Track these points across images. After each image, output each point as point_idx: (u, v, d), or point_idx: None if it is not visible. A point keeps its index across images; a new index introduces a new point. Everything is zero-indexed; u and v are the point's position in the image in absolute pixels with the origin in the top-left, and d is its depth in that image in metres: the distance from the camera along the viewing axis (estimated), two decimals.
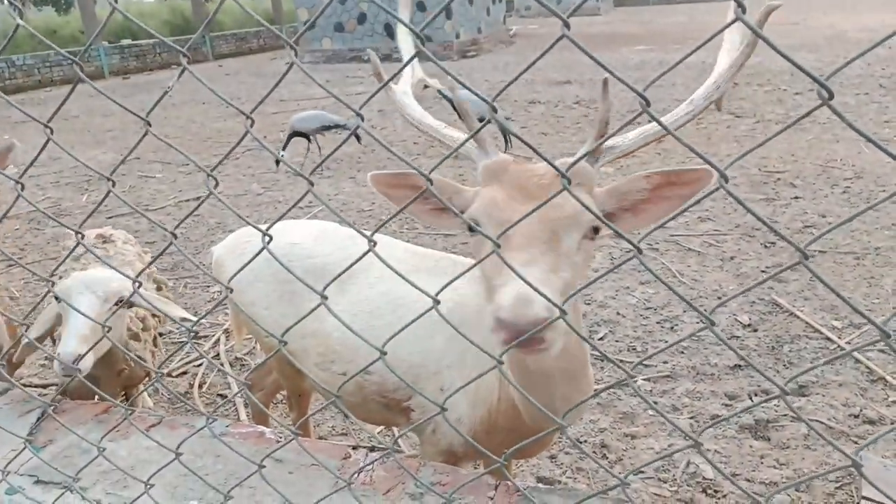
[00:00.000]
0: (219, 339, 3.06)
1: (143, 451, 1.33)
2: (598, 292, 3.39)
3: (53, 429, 1.39)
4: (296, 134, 5.64)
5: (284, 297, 1.58)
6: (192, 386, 2.72)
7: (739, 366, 2.70)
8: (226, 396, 2.68)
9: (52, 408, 1.38)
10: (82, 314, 1.37)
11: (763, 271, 3.52)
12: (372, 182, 1.09)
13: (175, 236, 0.90)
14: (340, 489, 1.07)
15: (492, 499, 1.12)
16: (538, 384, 1.16)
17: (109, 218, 4.96)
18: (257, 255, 0.97)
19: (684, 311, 3.16)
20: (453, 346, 1.45)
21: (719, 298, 3.24)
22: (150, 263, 1.08)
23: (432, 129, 1.19)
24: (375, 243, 0.86)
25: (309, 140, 5.80)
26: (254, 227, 0.97)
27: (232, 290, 0.99)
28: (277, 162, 5.69)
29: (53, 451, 1.34)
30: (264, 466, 1.06)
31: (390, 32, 13.60)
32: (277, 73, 13.52)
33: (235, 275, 1.07)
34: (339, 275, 0.96)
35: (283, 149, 5.68)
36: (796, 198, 4.58)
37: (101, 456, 1.15)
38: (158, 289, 1.97)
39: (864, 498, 1.94)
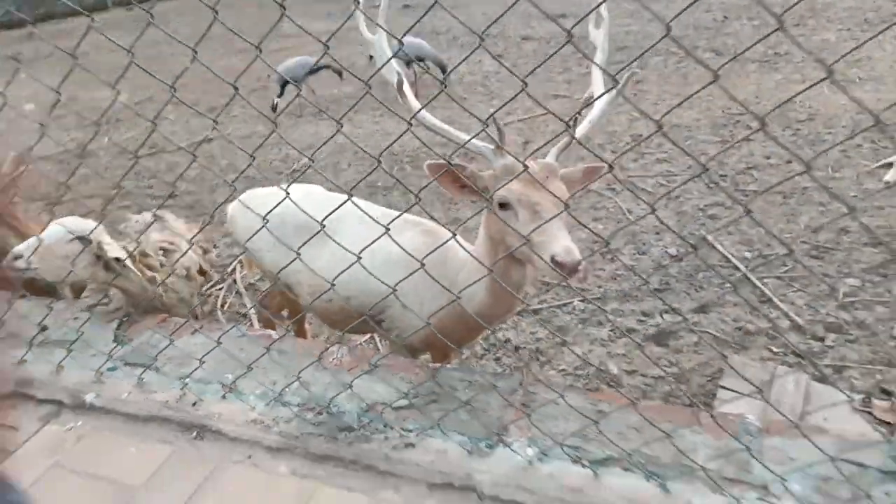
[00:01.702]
0: (234, 269, 3.71)
1: (192, 347, 1.97)
2: None
3: (132, 331, 2.04)
4: (287, 81, 6.08)
5: (279, 245, 2.16)
6: (215, 307, 3.39)
7: (658, 289, 3.32)
8: (243, 314, 3.34)
9: (129, 317, 2.03)
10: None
11: (701, 209, 4.09)
12: (428, 170, 1.62)
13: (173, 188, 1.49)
14: (315, 365, 1.71)
15: (416, 373, 1.76)
16: (506, 296, 1.73)
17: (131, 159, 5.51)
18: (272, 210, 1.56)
19: (625, 244, 3.76)
20: (409, 279, 2.06)
21: (657, 234, 3.83)
22: (200, 231, 1.67)
23: (450, 134, 1.67)
24: (350, 196, 1.46)
25: (299, 87, 6.23)
26: (259, 193, 1.56)
27: (245, 251, 1.59)
28: (274, 108, 6.16)
29: (133, 346, 1.99)
30: (270, 350, 1.70)
31: None
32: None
33: (252, 235, 1.66)
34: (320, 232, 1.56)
35: (279, 95, 6.15)
36: (748, 139, 5.07)
37: (169, 346, 1.80)
38: (206, 252, 2.51)
39: (721, 386, 2.60)
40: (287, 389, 1.79)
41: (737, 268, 3.43)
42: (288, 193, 1.62)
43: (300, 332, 2.67)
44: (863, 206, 3.84)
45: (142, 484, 1.60)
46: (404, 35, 1.30)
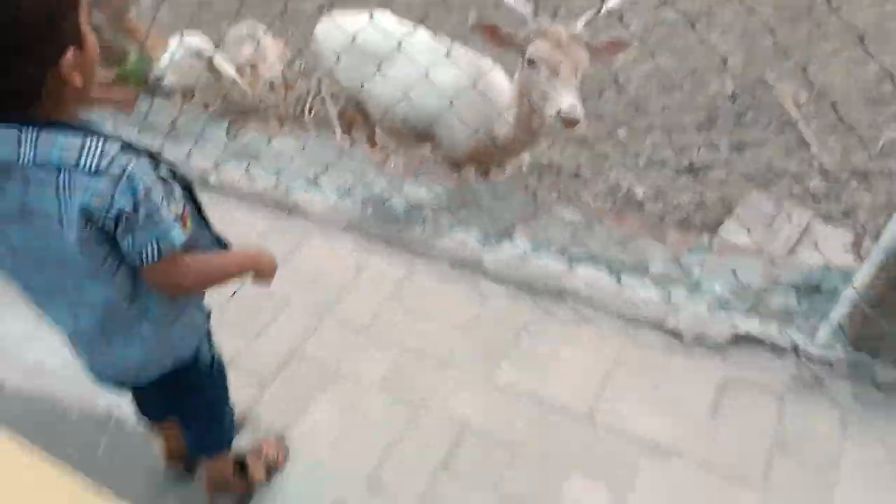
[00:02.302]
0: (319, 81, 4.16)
1: (284, 147, 2.52)
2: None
3: (239, 132, 2.61)
4: None
5: (355, 64, 2.56)
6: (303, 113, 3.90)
7: (702, 125, 3.54)
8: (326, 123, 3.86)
9: (236, 119, 2.59)
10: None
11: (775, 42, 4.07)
12: (474, 28, 1.96)
13: None
14: (376, 170, 2.24)
15: (452, 182, 2.26)
16: (526, 132, 2.14)
17: None
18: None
19: (683, 78, 3.90)
20: (455, 103, 2.47)
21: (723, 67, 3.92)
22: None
23: None
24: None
25: None
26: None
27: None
28: None
29: (240, 143, 2.57)
30: (343, 155, 2.22)
31: None
32: None
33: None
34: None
35: None
36: None
37: (268, 145, 2.36)
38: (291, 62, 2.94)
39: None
40: (354, 187, 2.34)
41: (785, 112, 3.56)
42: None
43: (370, 142, 3.18)
44: None
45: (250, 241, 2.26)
46: None
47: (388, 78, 2.41)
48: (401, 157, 2.44)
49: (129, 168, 0.91)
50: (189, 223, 1.04)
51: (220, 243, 1.23)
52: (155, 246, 0.97)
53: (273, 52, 2.93)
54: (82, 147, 0.88)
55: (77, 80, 0.88)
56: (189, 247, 1.03)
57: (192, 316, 1.19)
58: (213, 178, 2.47)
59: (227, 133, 2.62)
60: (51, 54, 0.85)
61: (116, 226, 0.93)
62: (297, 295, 2.05)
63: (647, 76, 3.92)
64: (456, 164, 2.63)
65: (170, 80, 2.39)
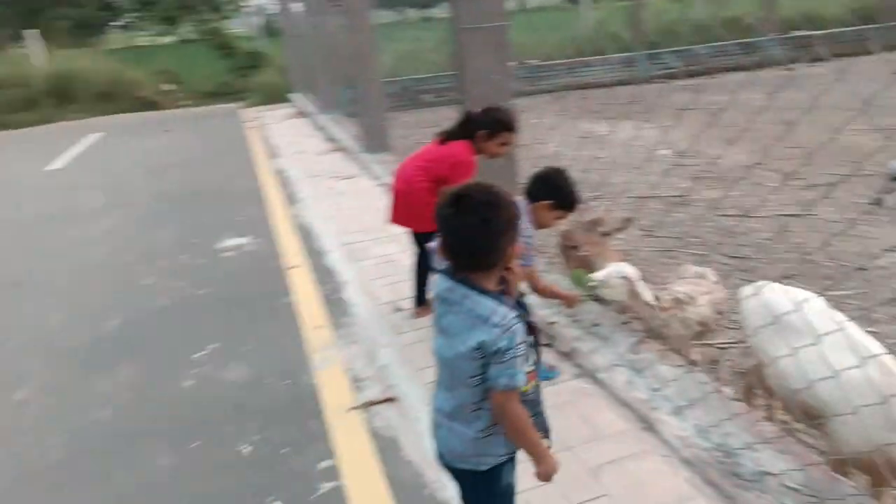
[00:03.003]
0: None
1: (669, 372, 2.84)
2: None
3: (641, 346, 3.06)
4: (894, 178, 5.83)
5: (769, 335, 2.71)
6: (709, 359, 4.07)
7: None
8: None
9: (643, 335, 3.05)
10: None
11: None
12: None
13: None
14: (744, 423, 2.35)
15: (814, 466, 2.19)
16: None
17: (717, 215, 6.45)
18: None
19: None
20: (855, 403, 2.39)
21: None
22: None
23: None
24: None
25: None
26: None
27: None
28: (878, 202, 6.04)
29: (637, 356, 3.00)
30: (711, 397, 2.42)
31: None
32: None
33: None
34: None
35: (887, 192, 5.98)
36: None
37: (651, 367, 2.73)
38: (719, 313, 3.31)
39: None
40: (711, 430, 2.48)
41: None
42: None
43: (747, 396, 3.13)
44: None
45: None
46: None
47: (799, 358, 2.50)
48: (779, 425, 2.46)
49: (514, 327, 1.49)
50: (533, 382, 1.54)
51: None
52: (505, 380, 1.50)
53: (708, 297, 3.31)
54: (495, 311, 1.50)
55: (516, 269, 1.56)
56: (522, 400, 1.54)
57: (497, 444, 1.65)
58: (602, 377, 2.95)
59: (632, 347, 3.10)
60: (505, 249, 1.53)
61: (492, 357, 1.49)
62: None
63: None
64: (841, 466, 2.47)
65: (602, 292, 3.03)
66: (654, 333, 3.11)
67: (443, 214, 1.51)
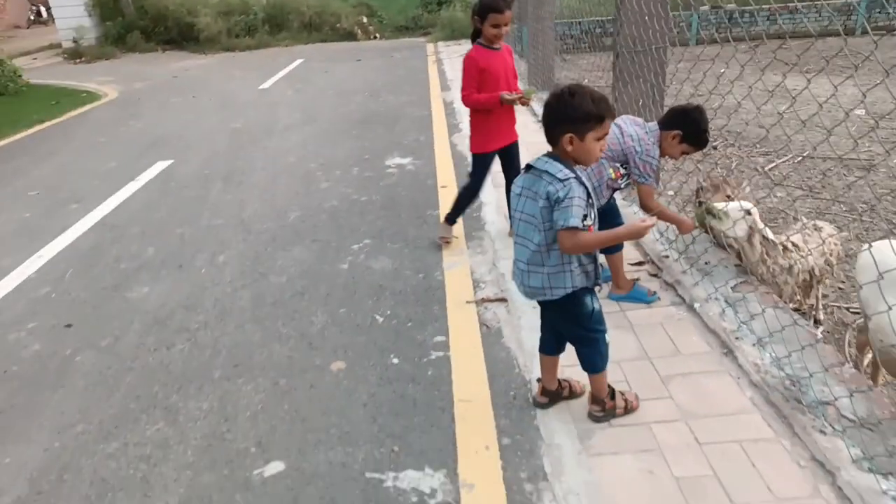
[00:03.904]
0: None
1: (775, 320, 2.97)
2: None
3: (743, 287, 3.20)
4: None
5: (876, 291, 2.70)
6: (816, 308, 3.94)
7: None
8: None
9: (746, 276, 3.18)
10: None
11: None
12: None
13: None
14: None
15: None
16: None
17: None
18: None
19: None
20: None
21: None
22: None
23: None
24: None
25: None
26: None
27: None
28: None
29: (736, 293, 3.15)
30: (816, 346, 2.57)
31: None
32: None
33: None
34: None
35: None
36: None
37: (762, 313, 2.89)
38: (829, 265, 3.30)
39: None
40: (789, 363, 2.63)
41: None
42: None
43: (873, 376, 3.11)
44: None
45: None
46: None
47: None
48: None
49: (571, 183, 1.99)
50: (590, 222, 2.07)
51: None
52: (562, 221, 2.00)
53: (822, 245, 3.31)
54: (561, 171, 2.01)
55: (569, 148, 2.03)
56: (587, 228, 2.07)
57: (570, 273, 2.16)
58: (697, 306, 3.15)
59: (734, 284, 3.24)
60: (562, 133, 2.01)
61: (556, 204, 2.00)
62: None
63: None
64: None
65: (722, 224, 3.19)
66: (758, 275, 3.22)
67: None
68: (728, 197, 3.62)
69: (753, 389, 2.61)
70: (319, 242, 4.55)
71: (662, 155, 3.07)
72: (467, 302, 3.53)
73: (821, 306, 3.55)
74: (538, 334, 2.56)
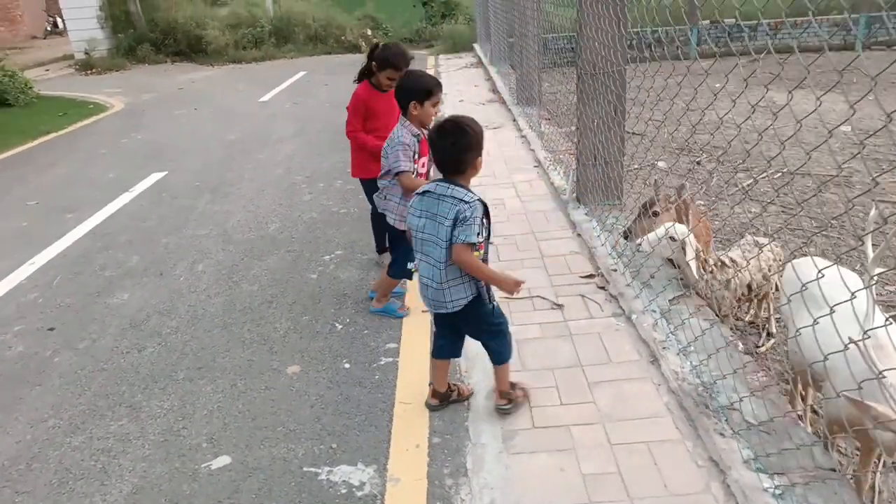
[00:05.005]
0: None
1: (697, 327, 3.15)
2: None
3: (680, 300, 3.38)
4: None
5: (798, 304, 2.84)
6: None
7: None
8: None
9: (683, 291, 3.36)
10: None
11: None
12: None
13: None
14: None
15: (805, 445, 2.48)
16: None
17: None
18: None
19: None
20: (848, 364, 2.52)
21: None
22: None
23: None
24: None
25: None
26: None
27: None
28: None
29: (674, 307, 3.33)
30: (728, 349, 2.76)
31: None
32: None
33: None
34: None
35: None
36: None
37: (684, 322, 3.08)
38: (764, 277, 3.42)
39: None
40: (712, 372, 2.81)
41: None
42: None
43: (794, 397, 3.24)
44: None
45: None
46: None
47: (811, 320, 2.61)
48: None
49: (475, 204, 2.26)
50: (483, 248, 2.34)
51: None
52: (463, 237, 2.25)
53: (757, 263, 3.47)
54: (466, 194, 2.25)
55: (474, 172, 2.31)
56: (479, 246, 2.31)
57: (468, 283, 2.43)
58: (634, 318, 3.34)
59: (670, 298, 3.42)
60: (471, 160, 2.28)
61: (459, 223, 2.25)
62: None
63: None
64: (830, 428, 2.65)
65: (644, 247, 3.39)
66: (698, 290, 3.40)
67: (430, 139, 2.34)
68: (683, 219, 3.81)
69: (670, 395, 2.80)
70: (293, 253, 4.78)
71: (423, 125, 3.16)
72: (423, 311, 3.73)
73: (773, 319, 3.72)
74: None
